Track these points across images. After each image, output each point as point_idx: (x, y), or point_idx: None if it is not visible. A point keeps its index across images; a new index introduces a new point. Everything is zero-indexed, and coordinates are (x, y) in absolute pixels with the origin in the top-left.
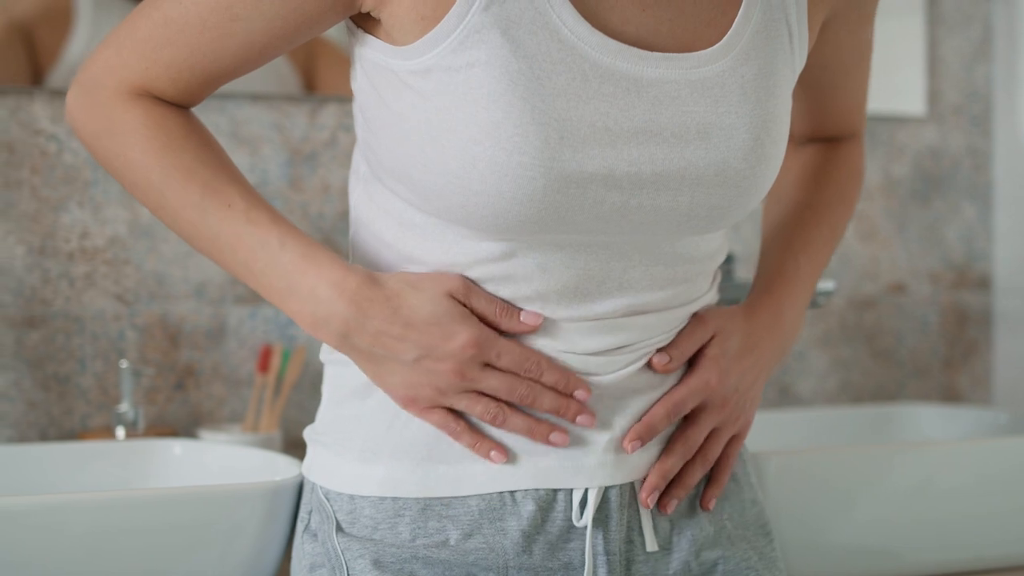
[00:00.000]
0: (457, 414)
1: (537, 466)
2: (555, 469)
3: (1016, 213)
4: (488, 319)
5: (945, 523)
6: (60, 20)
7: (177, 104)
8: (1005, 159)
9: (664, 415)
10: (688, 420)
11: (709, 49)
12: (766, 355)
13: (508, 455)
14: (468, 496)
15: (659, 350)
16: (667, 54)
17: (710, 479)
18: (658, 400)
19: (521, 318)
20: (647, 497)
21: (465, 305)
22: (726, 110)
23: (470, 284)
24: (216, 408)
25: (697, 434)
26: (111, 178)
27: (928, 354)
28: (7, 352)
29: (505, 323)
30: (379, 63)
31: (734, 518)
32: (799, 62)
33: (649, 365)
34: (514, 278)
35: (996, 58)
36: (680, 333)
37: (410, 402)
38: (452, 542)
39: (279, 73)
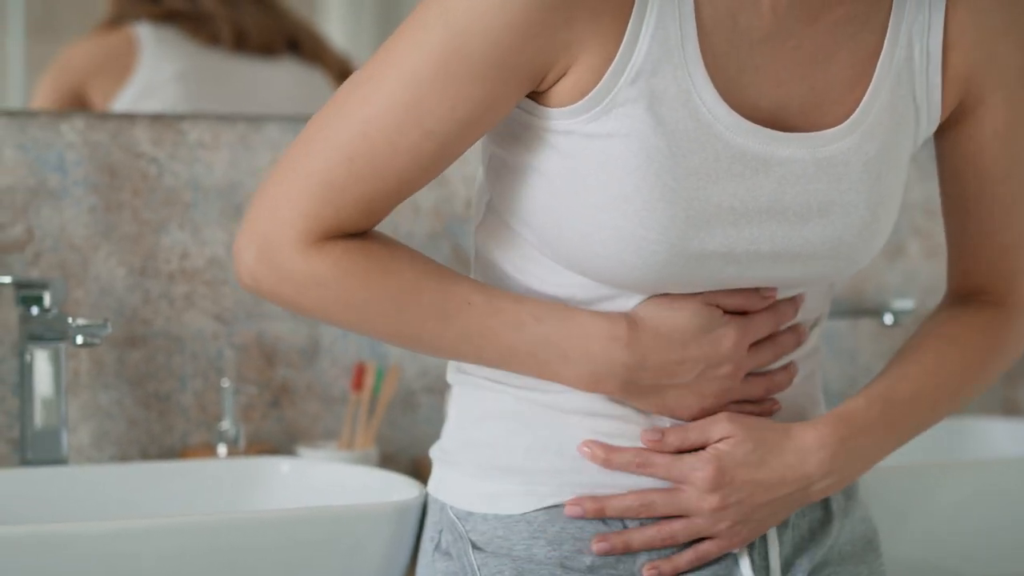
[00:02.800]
0: None
1: None
2: None
3: None
4: (747, 307)
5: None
6: (121, 60)
7: (363, 228)
8: None
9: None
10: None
11: (837, 128)
12: (788, 482)
13: None
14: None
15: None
16: (796, 133)
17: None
18: None
19: (763, 294)
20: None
21: (720, 307)
22: (847, 187)
23: (713, 292)
24: (311, 425)
25: (674, 532)
26: (210, 200)
27: None
28: (109, 371)
29: (758, 302)
30: (520, 115)
31: (845, 535)
32: (923, 134)
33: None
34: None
35: None
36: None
37: (702, 413)
38: (588, 562)
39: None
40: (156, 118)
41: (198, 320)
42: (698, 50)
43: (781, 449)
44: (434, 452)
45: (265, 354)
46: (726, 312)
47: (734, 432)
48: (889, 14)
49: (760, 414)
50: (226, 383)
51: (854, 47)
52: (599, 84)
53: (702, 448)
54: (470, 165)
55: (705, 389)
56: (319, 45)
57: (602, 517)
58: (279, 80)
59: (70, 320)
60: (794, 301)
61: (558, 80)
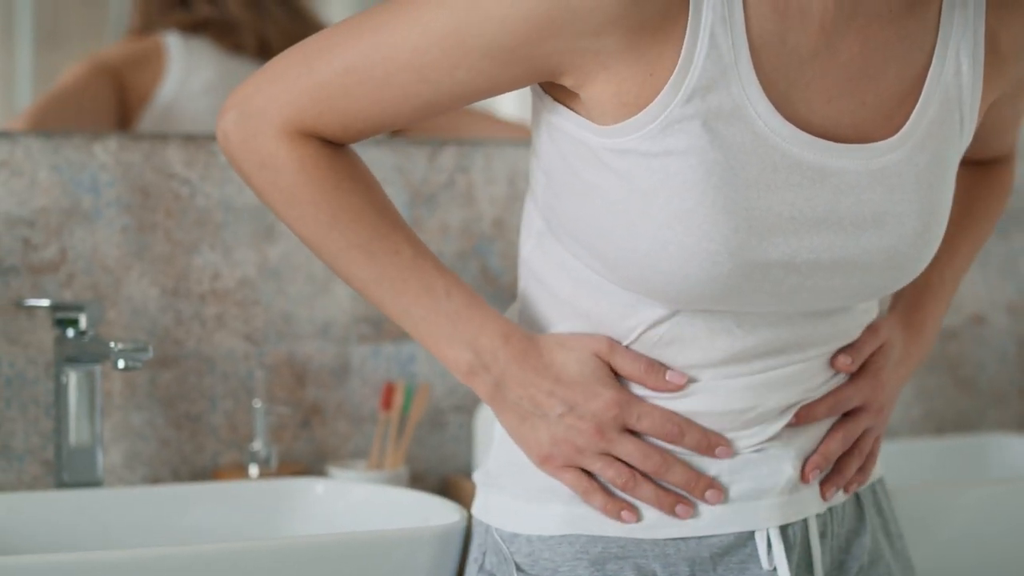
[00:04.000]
0: (589, 475)
1: (713, 512)
2: (731, 513)
3: None
4: (634, 377)
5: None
6: (152, 64)
7: (338, 140)
8: None
9: (835, 431)
10: (848, 416)
11: (888, 140)
12: (911, 366)
13: (636, 515)
14: (642, 539)
15: (841, 351)
16: (849, 145)
17: (859, 469)
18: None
19: (667, 376)
20: (809, 472)
21: (611, 365)
22: (900, 198)
23: (615, 344)
24: (341, 445)
25: (855, 428)
26: (241, 221)
27: (1007, 383)
28: (141, 392)
29: (651, 381)
30: (572, 134)
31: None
32: (966, 143)
33: (832, 365)
34: (682, 339)
35: None
36: (859, 340)
37: (547, 459)
38: None
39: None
40: (188, 139)
41: (229, 341)
42: (751, 67)
43: (909, 337)
44: (478, 476)
45: (295, 374)
46: (623, 377)
47: (888, 335)
48: (937, 33)
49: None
50: (258, 403)
51: (903, 64)
52: (654, 102)
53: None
54: (497, 185)
55: (559, 433)
56: None
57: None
58: None
59: (112, 344)
60: (707, 435)
61: (585, 84)
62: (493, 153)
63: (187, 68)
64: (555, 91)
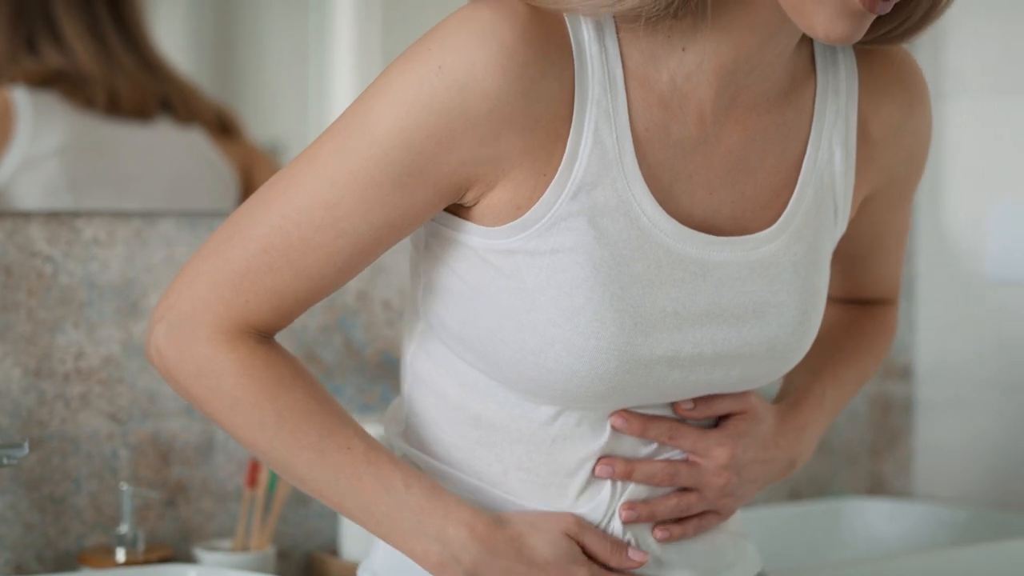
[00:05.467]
0: None
1: None
2: None
3: (936, 305)
4: (601, 557)
5: None
6: None
7: (272, 328)
8: (927, 256)
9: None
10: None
11: (766, 231)
12: (780, 462)
13: None
14: None
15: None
16: (730, 237)
17: (677, 520)
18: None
19: (629, 554)
20: (628, 512)
21: (580, 544)
22: (779, 288)
23: (584, 524)
24: (205, 523)
25: (690, 503)
26: (105, 298)
27: (857, 443)
28: (4, 475)
29: (615, 561)
30: (454, 239)
31: None
32: (839, 233)
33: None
34: (571, 436)
35: None
36: (717, 396)
37: None
38: None
39: (226, 185)
40: (51, 216)
41: (93, 420)
42: (635, 162)
43: (784, 430)
44: (362, 572)
45: (160, 452)
46: (602, 562)
47: (751, 406)
48: (811, 121)
49: None
50: (125, 487)
51: (780, 153)
52: (540, 200)
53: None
54: None
55: None
56: (192, 102)
57: (629, 479)
58: (157, 144)
59: None
60: None
61: (485, 194)
62: None
63: (36, 127)
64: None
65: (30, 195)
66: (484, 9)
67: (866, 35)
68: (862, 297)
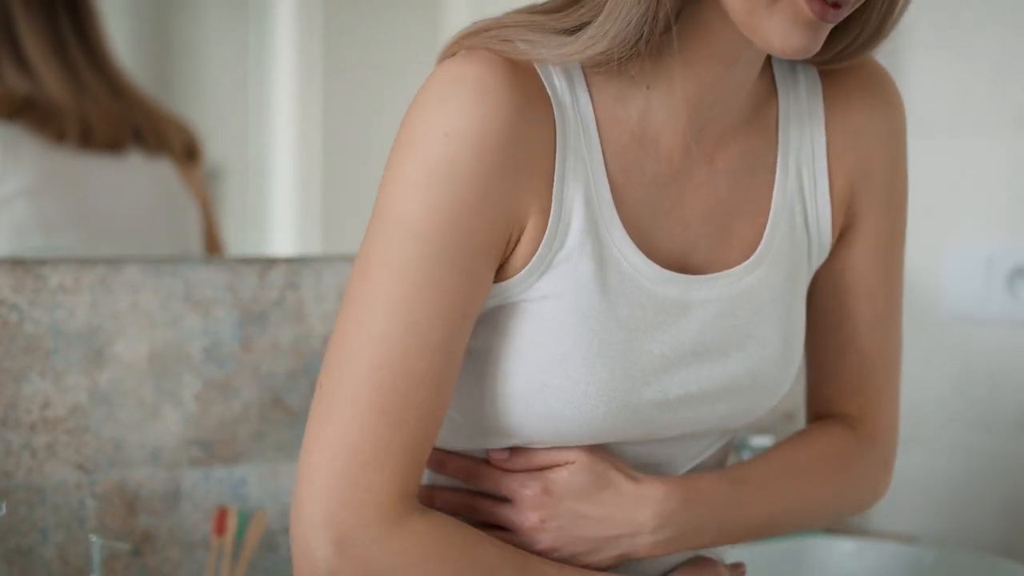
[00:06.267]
0: None
1: None
2: None
3: None
4: None
5: None
6: None
7: (418, 481)
8: None
9: None
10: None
11: (744, 264)
12: (612, 523)
13: None
14: None
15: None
16: (710, 275)
17: None
18: None
19: None
20: None
21: None
22: (761, 320)
23: None
24: (173, 572)
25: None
26: (71, 346)
27: None
28: None
29: None
30: None
31: None
32: (816, 261)
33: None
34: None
35: None
36: (540, 449)
37: None
38: None
39: (192, 222)
40: (16, 263)
41: (60, 470)
42: (613, 206)
43: (619, 490)
44: None
45: (127, 502)
46: None
47: (578, 459)
48: (777, 147)
49: None
50: (94, 539)
51: (751, 183)
52: (538, 250)
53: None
54: (327, 302)
55: None
56: (162, 129)
57: (432, 506)
58: (127, 179)
59: None
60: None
61: (514, 248)
62: (323, 268)
63: (5, 168)
64: None
65: None
66: (466, 66)
67: (821, 54)
68: (837, 408)
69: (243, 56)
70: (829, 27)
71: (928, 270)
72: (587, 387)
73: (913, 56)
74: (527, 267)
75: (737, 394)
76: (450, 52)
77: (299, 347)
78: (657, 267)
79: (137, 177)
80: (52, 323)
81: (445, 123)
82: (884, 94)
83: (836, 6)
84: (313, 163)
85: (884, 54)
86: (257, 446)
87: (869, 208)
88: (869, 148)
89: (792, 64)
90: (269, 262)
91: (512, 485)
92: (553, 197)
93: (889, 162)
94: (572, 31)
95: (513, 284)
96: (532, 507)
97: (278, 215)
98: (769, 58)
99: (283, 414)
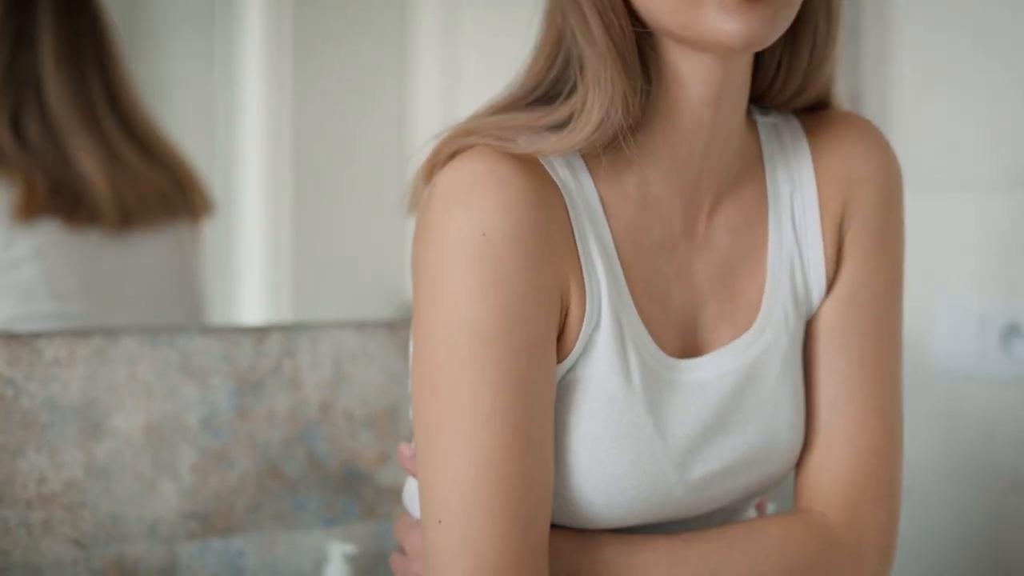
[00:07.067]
0: None
1: None
2: None
3: None
4: None
5: None
6: None
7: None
8: None
9: None
10: None
11: (751, 330)
12: None
13: None
14: None
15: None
16: (719, 350)
17: None
18: None
19: None
20: None
21: None
22: (773, 384)
23: None
24: None
25: None
26: (67, 420)
27: None
28: None
29: None
30: None
31: None
32: (816, 303)
33: None
34: None
35: None
36: None
37: None
38: None
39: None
40: (11, 337)
41: (57, 547)
42: (627, 288)
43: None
44: None
45: None
46: None
47: None
48: (767, 200)
49: None
50: None
51: (749, 239)
52: (582, 328)
53: None
54: (323, 369)
55: None
56: (188, 193)
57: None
58: (145, 246)
59: None
60: None
61: (563, 329)
62: (319, 336)
63: (12, 229)
64: None
65: (2, 303)
66: (477, 163)
67: (782, 86)
68: (820, 494)
69: (211, 100)
70: (768, 11)
71: (918, 327)
72: (615, 469)
73: (904, 111)
74: (575, 347)
75: (756, 464)
76: (442, 156)
77: (295, 415)
78: (666, 355)
79: (155, 243)
80: (48, 397)
81: (479, 222)
82: (873, 143)
83: None
84: (283, 222)
85: (874, 106)
86: (254, 517)
87: (851, 254)
88: (857, 194)
89: (775, 121)
90: (264, 330)
91: (411, 535)
92: (584, 276)
93: (878, 209)
94: (563, 124)
95: (562, 366)
96: (417, 559)
97: (246, 279)
98: (754, 113)
99: (279, 483)
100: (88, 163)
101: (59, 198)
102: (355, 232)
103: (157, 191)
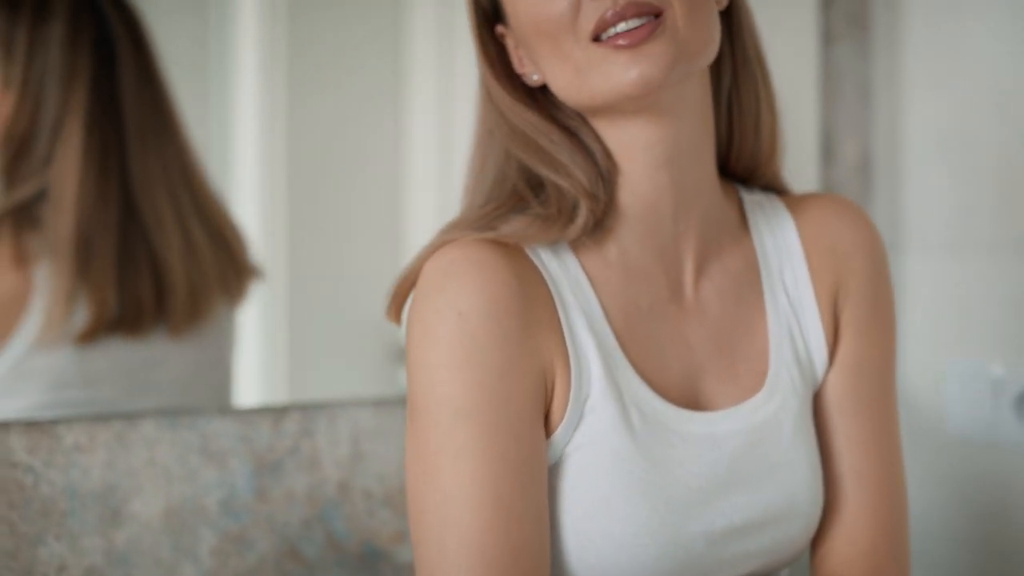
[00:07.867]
0: None
1: None
2: None
3: None
4: None
5: None
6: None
7: None
8: None
9: None
10: None
11: (759, 394)
12: None
13: None
14: None
15: None
16: (729, 409)
17: None
18: None
19: None
20: None
21: None
22: (787, 445)
23: None
24: None
25: None
26: (87, 506)
27: None
28: None
29: None
30: None
31: None
32: (818, 375)
33: None
34: None
35: None
36: None
37: None
38: None
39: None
40: (31, 424)
41: None
42: (620, 350)
43: None
44: None
45: None
46: None
47: None
48: (759, 266)
49: None
50: None
51: (742, 302)
52: (569, 402)
53: None
54: (341, 447)
55: None
56: (240, 270)
57: None
58: (193, 335)
59: None
60: None
61: (551, 403)
62: (337, 414)
63: (52, 312)
64: None
65: (33, 389)
66: (455, 251)
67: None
68: (844, 556)
69: (205, 118)
70: (656, 48)
71: (930, 389)
72: (634, 527)
73: (914, 172)
74: (564, 420)
75: (777, 524)
76: (433, 250)
77: (313, 495)
78: (675, 407)
79: (201, 327)
80: (67, 484)
81: (455, 303)
82: (856, 218)
83: (630, 30)
84: (279, 320)
85: (885, 167)
86: None
87: (847, 324)
88: (847, 267)
89: (759, 199)
90: (282, 410)
91: None
92: (569, 350)
93: (870, 281)
94: (545, 215)
95: (556, 440)
96: None
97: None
98: (739, 190)
99: (298, 565)
100: (172, 259)
101: (124, 317)
102: (355, 304)
103: (219, 277)
